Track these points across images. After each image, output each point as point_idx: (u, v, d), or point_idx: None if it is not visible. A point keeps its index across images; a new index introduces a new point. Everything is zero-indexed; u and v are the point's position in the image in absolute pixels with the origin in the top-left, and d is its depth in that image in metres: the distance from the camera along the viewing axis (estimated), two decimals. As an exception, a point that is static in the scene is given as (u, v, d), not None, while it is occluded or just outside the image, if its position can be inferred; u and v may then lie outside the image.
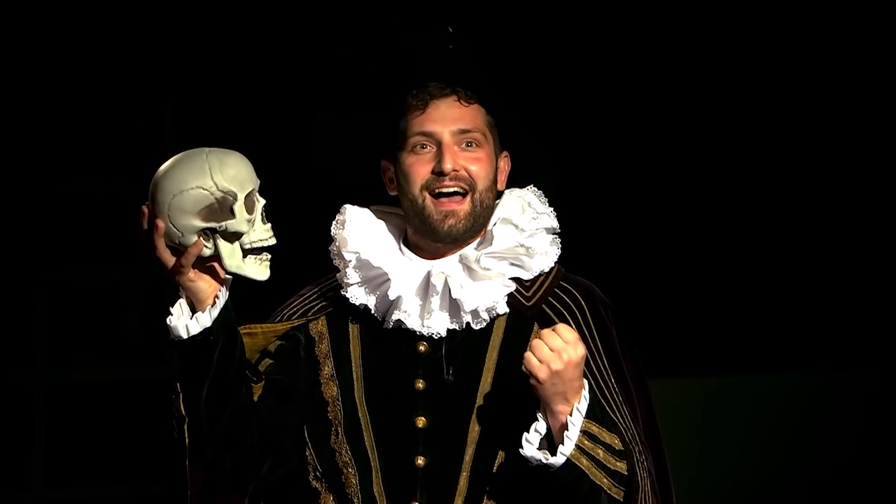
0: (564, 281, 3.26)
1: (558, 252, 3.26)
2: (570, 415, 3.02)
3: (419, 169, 3.18)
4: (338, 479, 3.21)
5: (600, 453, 3.05)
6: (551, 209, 3.29)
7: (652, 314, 5.32)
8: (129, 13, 6.23)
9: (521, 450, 3.03)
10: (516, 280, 3.22)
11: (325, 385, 3.24)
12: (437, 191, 3.17)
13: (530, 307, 3.21)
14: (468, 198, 3.17)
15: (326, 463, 3.22)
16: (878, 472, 6.64)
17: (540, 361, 2.99)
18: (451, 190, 3.16)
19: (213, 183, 2.96)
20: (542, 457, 3.02)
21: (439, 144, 3.17)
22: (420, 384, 3.19)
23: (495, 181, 3.22)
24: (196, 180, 2.95)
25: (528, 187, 3.29)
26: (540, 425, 3.04)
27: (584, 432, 3.03)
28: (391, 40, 3.26)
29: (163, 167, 3.00)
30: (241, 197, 2.97)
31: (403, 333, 3.20)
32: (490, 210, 3.22)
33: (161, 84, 6.31)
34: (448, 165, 3.14)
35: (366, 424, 3.20)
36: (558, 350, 2.99)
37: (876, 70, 6.56)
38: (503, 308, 3.18)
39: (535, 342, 3.00)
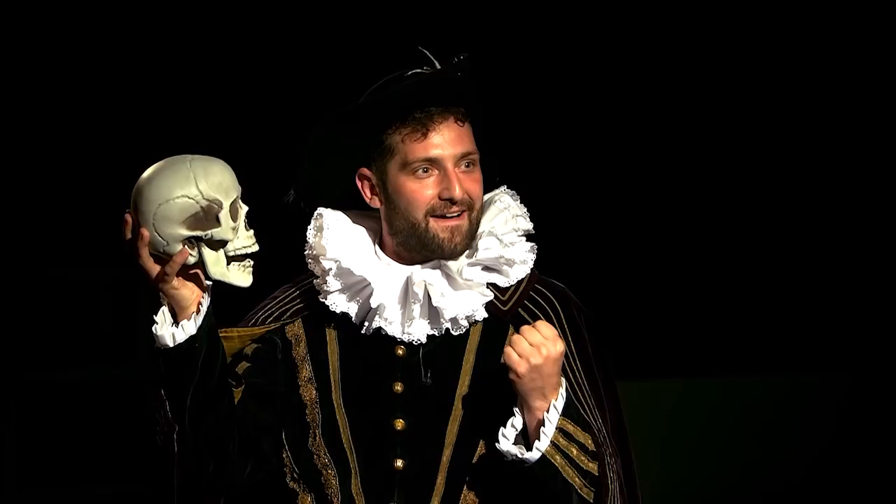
0: (539, 284, 3.31)
1: (534, 257, 3.31)
2: (547, 411, 3.07)
3: (423, 194, 3.20)
4: (316, 481, 3.24)
5: (574, 452, 3.10)
6: (524, 208, 3.33)
7: (623, 316, 5.36)
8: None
9: (497, 444, 3.09)
10: (494, 285, 3.27)
11: (304, 388, 3.27)
12: (441, 214, 3.20)
13: (507, 311, 3.25)
14: (465, 215, 3.21)
15: (305, 465, 3.26)
16: (853, 474, 6.68)
17: (520, 356, 3.05)
18: (456, 214, 3.21)
19: (199, 191, 2.97)
20: (518, 451, 3.07)
21: (444, 170, 3.19)
22: (398, 387, 3.22)
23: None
24: (181, 189, 2.96)
25: (502, 188, 3.33)
26: (516, 420, 3.10)
27: (560, 430, 3.08)
28: (389, 66, 3.27)
29: (145, 175, 3.00)
30: (226, 205, 2.99)
31: (382, 337, 3.24)
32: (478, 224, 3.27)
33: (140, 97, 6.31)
34: (458, 193, 3.18)
35: (344, 427, 3.23)
36: (538, 345, 3.04)
37: (867, 71, 6.59)
38: (482, 315, 3.23)
39: (516, 337, 3.06)
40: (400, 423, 3.21)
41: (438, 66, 3.21)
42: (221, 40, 6.30)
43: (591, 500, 3.14)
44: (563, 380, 3.12)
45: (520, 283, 3.29)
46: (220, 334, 3.22)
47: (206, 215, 2.99)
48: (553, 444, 3.07)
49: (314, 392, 3.26)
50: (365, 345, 3.25)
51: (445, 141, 3.19)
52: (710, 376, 6.64)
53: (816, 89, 6.69)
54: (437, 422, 3.18)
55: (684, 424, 5.96)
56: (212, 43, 6.31)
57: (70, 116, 6.37)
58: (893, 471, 6.67)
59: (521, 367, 3.04)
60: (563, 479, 3.09)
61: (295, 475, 3.26)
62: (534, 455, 3.07)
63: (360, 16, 6.20)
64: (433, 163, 3.20)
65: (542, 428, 3.07)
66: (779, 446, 6.66)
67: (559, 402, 3.08)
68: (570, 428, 3.10)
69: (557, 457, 3.08)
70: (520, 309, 3.26)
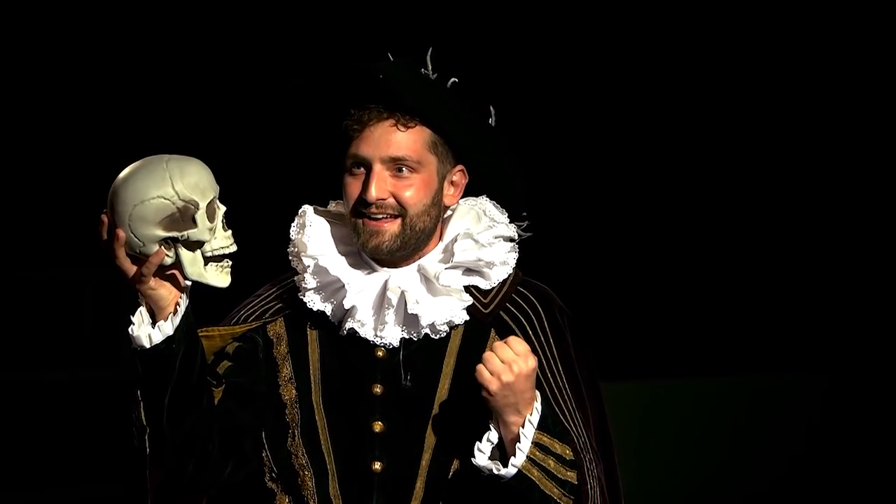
0: (522, 286, 3.29)
1: (515, 258, 3.29)
2: (523, 426, 3.06)
3: (352, 190, 3.19)
4: (294, 482, 3.23)
5: (551, 464, 3.09)
6: (506, 217, 3.31)
7: (598, 317, 5.34)
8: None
9: (472, 459, 3.07)
10: (474, 288, 3.25)
11: (284, 387, 3.25)
12: (365, 213, 3.18)
13: (487, 314, 3.23)
14: (398, 220, 3.18)
15: (282, 465, 3.24)
16: (831, 473, 6.69)
17: (491, 374, 3.03)
18: (380, 216, 3.18)
19: (175, 192, 2.95)
20: (494, 467, 3.06)
21: (369, 170, 3.17)
22: (377, 389, 3.21)
23: (437, 201, 3.22)
24: (157, 190, 2.94)
25: (482, 197, 3.30)
26: (492, 435, 3.08)
27: (536, 444, 3.07)
28: (339, 62, 3.24)
29: (121, 175, 2.98)
30: (202, 205, 2.97)
31: (361, 338, 3.22)
32: (431, 228, 3.23)
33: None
34: (372, 195, 3.15)
35: (322, 428, 3.22)
36: (509, 362, 3.02)
37: (856, 70, 6.60)
38: (461, 319, 3.21)
39: (487, 354, 3.04)
40: (378, 426, 3.19)
41: (384, 64, 3.19)
42: (204, 39, 6.29)
43: None
44: (538, 393, 3.10)
45: (501, 284, 3.27)
46: (201, 333, 3.21)
47: (183, 216, 2.97)
48: (529, 458, 3.06)
49: (294, 392, 3.25)
50: (345, 345, 3.23)
51: (375, 141, 3.17)
52: (686, 377, 6.63)
53: (799, 87, 6.70)
54: (417, 425, 3.17)
55: (659, 425, 5.94)
56: (193, 41, 6.30)
57: (52, 115, 6.35)
58: (871, 470, 6.68)
59: (492, 385, 3.03)
60: (540, 491, 3.08)
61: (273, 475, 3.25)
62: (510, 471, 3.06)
63: (347, 13, 6.19)
64: (361, 161, 3.18)
65: (518, 444, 3.06)
66: (756, 446, 6.66)
67: (534, 417, 3.07)
68: (547, 440, 3.09)
69: (534, 471, 3.08)
70: (501, 311, 3.24)
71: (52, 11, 6.24)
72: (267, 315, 3.31)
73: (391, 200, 3.17)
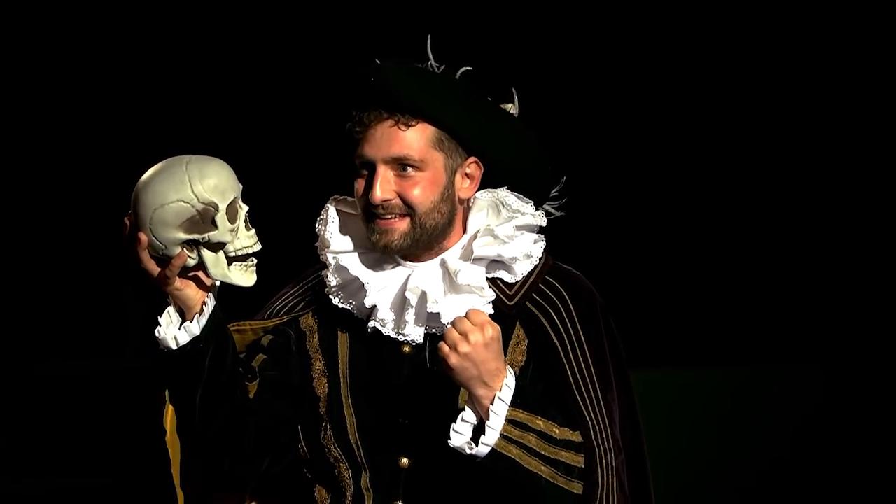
0: (551, 274, 3.26)
1: (542, 248, 3.26)
2: (493, 403, 3.02)
3: (359, 192, 3.19)
4: (331, 474, 3.25)
5: (532, 440, 3.05)
6: (531, 205, 3.27)
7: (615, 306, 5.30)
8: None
9: (448, 441, 3.04)
10: (500, 280, 3.23)
11: (317, 380, 3.27)
12: (374, 214, 3.18)
13: (512, 306, 3.21)
14: (407, 219, 3.16)
15: (319, 457, 3.26)
16: (822, 465, 6.61)
17: (450, 347, 3.00)
18: (388, 216, 3.17)
19: (194, 195, 2.95)
20: (466, 447, 3.02)
21: (373, 171, 3.16)
22: (404, 384, 3.21)
23: (448, 196, 3.20)
24: (177, 193, 2.95)
25: (502, 188, 3.27)
26: (467, 415, 3.05)
27: (511, 421, 3.02)
28: (344, 66, 3.24)
29: (143, 178, 2.99)
30: (222, 207, 2.97)
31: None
32: (445, 224, 3.21)
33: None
34: (377, 197, 3.15)
35: (351, 423, 3.22)
36: (466, 332, 2.98)
37: (849, 70, 6.53)
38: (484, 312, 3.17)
39: (448, 328, 3.01)
40: (406, 421, 3.19)
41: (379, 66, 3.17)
42: (223, 39, 6.30)
43: (577, 492, 3.10)
44: (510, 369, 3.06)
45: (528, 276, 3.24)
46: (233, 328, 3.23)
47: (203, 218, 2.97)
48: (504, 436, 3.02)
49: (326, 385, 3.25)
50: (372, 340, 3.23)
51: (377, 142, 3.15)
52: (676, 367, 6.58)
53: (797, 86, 6.63)
54: (442, 420, 3.13)
55: (649, 416, 5.89)
56: (214, 42, 6.31)
57: (72, 117, 6.39)
58: (862, 463, 6.60)
59: (451, 357, 2.99)
60: (525, 469, 3.04)
61: (310, 467, 3.27)
62: (481, 450, 3.02)
63: (363, 14, 6.17)
64: (366, 163, 3.17)
65: (488, 422, 3.02)
66: (747, 437, 6.58)
67: (505, 394, 3.02)
68: (523, 416, 3.04)
69: (513, 448, 3.03)
70: (527, 302, 3.22)
71: (65, 19, 6.28)
72: (298, 308, 3.32)
73: (397, 201, 3.16)
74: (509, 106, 3.33)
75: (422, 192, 3.16)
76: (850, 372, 6.58)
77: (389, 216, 3.16)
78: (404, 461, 3.19)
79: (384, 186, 3.15)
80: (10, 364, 6.39)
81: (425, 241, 3.19)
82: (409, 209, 3.16)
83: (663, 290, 6.65)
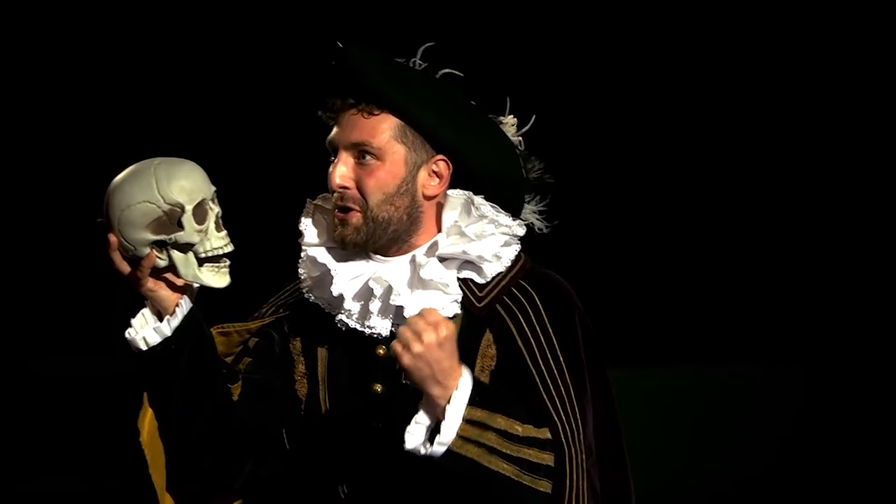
0: (526, 277, 3.23)
1: (514, 252, 3.23)
2: (448, 402, 2.98)
3: (329, 180, 3.20)
4: (312, 476, 3.25)
5: (492, 438, 3.01)
6: (506, 216, 3.23)
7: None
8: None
9: (404, 444, 3.00)
10: (470, 281, 3.21)
11: (299, 383, 3.27)
12: (335, 202, 3.18)
13: (481, 308, 3.19)
14: (360, 213, 3.16)
15: (300, 460, 3.26)
16: (805, 468, 6.55)
17: (403, 347, 2.97)
18: (344, 205, 3.17)
19: (160, 196, 2.98)
20: (422, 448, 2.99)
21: (336, 157, 3.18)
22: (378, 388, 3.19)
23: (407, 190, 3.19)
24: (143, 194, 2.98)
25: (478, 197, 3.23)
26: (420, 417, 3.01)
27: (469, 420, 2.98)
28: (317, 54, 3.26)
29: (114, 181, 3.03)
30: (188, 208, 2.99)
31: (363, 335, 3.21)
32: (403, 219, 3.19)
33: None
34: (335, 181, 3.16)
35: (328, 426, 3.22)
36: (419, 332, 2.95)
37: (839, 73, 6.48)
38: (451, 312, 3.16)
39: (401, 327, 2.98)
40: (380, 425, 3.18)
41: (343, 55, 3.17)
42: (201, 40, 6.33)
43: (545, 491, 3.05)
44: (466, 369, 3.02)
45: (499, 279, 3.22)
46: (218, 330, 3.25)
47: (170, 219, 3.00)
48: (462, 436, 2.98)
49: (307, 388, 3.26)
50: (348, 344, 3.23)
51: (341, 128, 3.17)
52: (658, 366, 6.53)
53: (786, 86, 6.58)
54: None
55: (630, 416, 5.82)
56: (194, 43, 6.34)
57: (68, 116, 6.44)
58: (843, 465, 6.53)
59: (404, 357, 2.95)
60: (485, 469, 3.00)
61: (294, 469, 3.27)
62: (437, 449, 2.98)
63: (345, 13, 6.19)
64: (333, 149, 3.19)
65: (444, 422, 2.98)
66: (730, 438, 6.53)
67: (461, 392, 2.98)
68: (481, 415, 3.00)
69: (471, 448, 2.99)
70: (497, 305, 3.19)
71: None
72: (284, 310, 3.32)
73: (353, 192, 3.16)
74: (508, 119, 3.33)
75: (375, 183, 3.15)
76: (830, 374, 6.50)
77: (345, 205, 3.16)
78: (380, 465, 3.17)
79: (341, 172, 3.15)
80: (8, 362, 6.43)
81: (382, 236, 3.17)
82: (362, 203, 3.15)
83: (642, 289, 6.60)
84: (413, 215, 3.20)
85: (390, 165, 3.16)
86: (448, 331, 2.97)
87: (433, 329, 2.95)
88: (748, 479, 6.47)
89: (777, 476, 6.47)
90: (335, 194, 3.17)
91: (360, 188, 3.16)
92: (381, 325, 3.18)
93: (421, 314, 2.98)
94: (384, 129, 3.16)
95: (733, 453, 6.48)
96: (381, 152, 3.16)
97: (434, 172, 3.21)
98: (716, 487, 6.46)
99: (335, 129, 3.19)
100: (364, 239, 3.17)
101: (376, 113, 3.16)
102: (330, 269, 3.19)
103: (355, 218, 3.16)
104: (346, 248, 3.20)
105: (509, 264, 3.22)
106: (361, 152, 3.15)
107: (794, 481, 6.47)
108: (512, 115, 3.33)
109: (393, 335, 3.15)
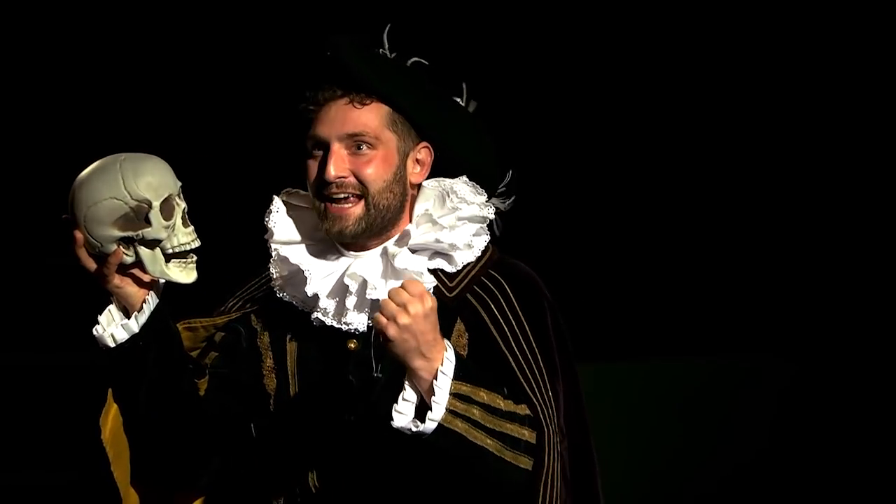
0: (496, 267, 3.24)
1: (485, 241, 3.24)
2: (436, 378, 2.98)
3: (313, 172, 3.17)
4: (281, 470, 3.24)
5: (476, 413, 3.00)
6: (483, 197, 3.25)
7: (571, 298, 5.30)
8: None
9: (392, 422, 2.99)
10: (440, 271, 3.21)
11: (267, 377, 3.26)
12: (327, 196, 3.16)
13: (452, 297, 3.19)
14: (361, 201, 3.15)
15: (269, 454, 3.25)
16: (791, 461, 6.58)
17: (387, 319, 2.96)
18: (341, 196, 3.15)
19: (127, 192, 2.96)
20: (412, 425, 2.98)
21: (327, 150, 3.15)
22: (350, 381, 3.18)
23: (400, 178, 3.19)
24: (109, 191, 2.96)
25: (462, 177, 3.25)
26: (408, 394, 3.00)
27: (455, 394, 2.98)
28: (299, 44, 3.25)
29: (79, 177, 3.01)
30: (156, 204, 2.98)
31: (334, 329, 3.20)
32: (397, 207, 3.19)
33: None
34: (331, 173, 3.13)
35: (299, 419, 3.21)
36: (404, 303, 2.94)
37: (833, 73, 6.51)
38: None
39: (384, 300, 2.97)
40: (351, 418, 3.17)
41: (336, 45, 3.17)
42: (165, 35, 6.32)
43: (525, 468, 3.05)
44: (448, 342, 3.02)
45: (469, 268, 3.22)
46: (184, 325, 3.24)
47: (137, 215, 2.98)
48: (449, 410, 2.97)
49: (275, 382, 3.25)
50: (319, 337, 3.22)
51: (331, 120, 3.15)
52: (639, 358, 6.55)
53: (778, 85, 6.60)
54: (387, 415, 3.08)
55: (613, 408, 5.84)
56: (157, 38, 6.33)
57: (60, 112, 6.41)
58: (833, 457, 6.57)
59: (390, 329, 2.94)
60: (471, 444, 2.99)
61: (262, 464, 3.26)
62: (428, 426, 2.97)
63: (317, 9, 6.19)
64: (320, 142, 3.16)
65: (433, 397, 2.96)
66: (716, 430, 6.55)
67: (446, 367, 2.97)
68: (467, 389, 3.00)
69: (458, 422, 2.98)
70: (468, 294, 3.19)
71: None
72: (251, 305, 3.31)
73: (351, 179, 3.15)
74: (465, 102, 3.34)
75: (375, 171, 3.15)
76: (818, 364, 6.54)
77: (342, 196, 3.15)
78: (351, 457, 3.17)
79: (338, 164, 3.14)
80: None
81: (378, 224, 3.17)
82: (362, 189, 3.15)
83: (633, 281, 6.61)
84: (403, 203, 3.21)
85: (386, 153, 3.17)
86: (433, 302, 2.97)
87: (419, 300, 2.95)
88: (737, 468, 6.49)
89: (765, 466, 6.49)
90: (327, 188, 3.15)
91: (357, 176, 3.15)
92: (357, 321, 3.17)
93: (403, 286, 2.97)
94: (377, 118, 3.16)
95: (721, 444, 6.50)
96: (378, 141, 3.16)
97: (417, 160, 3.22)
98: (704, 478, 6.48)
99: (322, 123, 3.16)
100: (363, 229, 3.16)
101: (367, 102, 3.15)
102: (303, 269, 3.18)
103: (358, 208, 3.15)
104: (341, 241, 3.18)
105: (479, 254, 3.22)
106: (357, 143, 3.15)
107: (783, 471, 6.49)
108: (462, 99, 3.33)
109: (370, 329, 3.15)
